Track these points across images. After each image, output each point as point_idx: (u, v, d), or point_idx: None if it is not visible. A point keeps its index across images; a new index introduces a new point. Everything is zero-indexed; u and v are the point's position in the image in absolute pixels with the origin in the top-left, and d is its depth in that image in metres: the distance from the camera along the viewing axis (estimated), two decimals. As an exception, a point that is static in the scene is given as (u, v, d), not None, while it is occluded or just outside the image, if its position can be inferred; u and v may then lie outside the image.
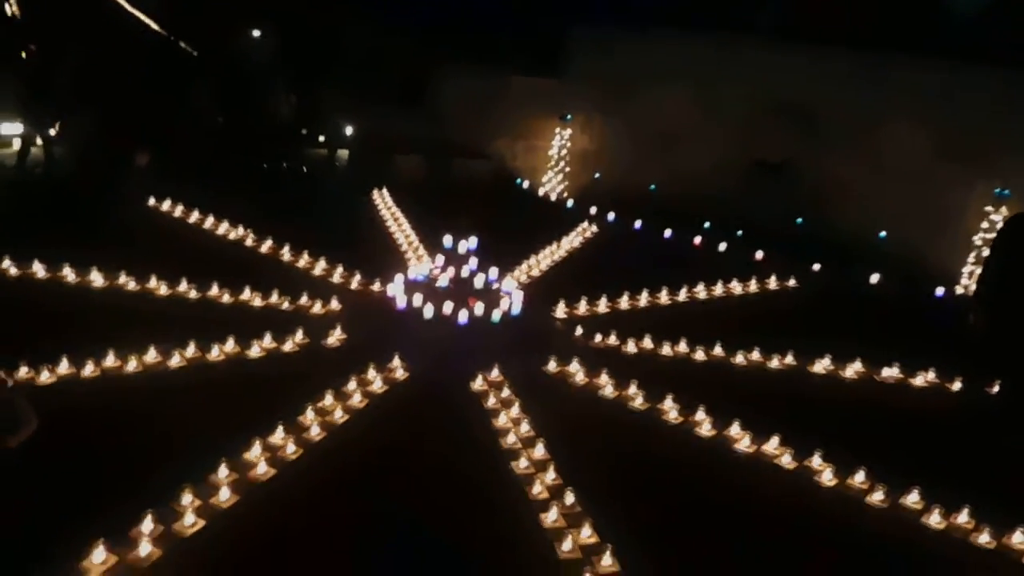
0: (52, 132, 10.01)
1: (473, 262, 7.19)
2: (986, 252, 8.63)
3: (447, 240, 7.28)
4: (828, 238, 10.29)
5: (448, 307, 6.73)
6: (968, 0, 12.16)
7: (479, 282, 7.06)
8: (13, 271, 7.19)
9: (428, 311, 6.71)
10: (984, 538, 4.92)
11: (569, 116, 12.37)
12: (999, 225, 8.51)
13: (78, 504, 4.25)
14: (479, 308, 6.77)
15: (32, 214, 8.72)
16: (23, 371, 5.43)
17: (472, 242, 7.32)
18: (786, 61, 11.33)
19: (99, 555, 3.92)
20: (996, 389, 6.71)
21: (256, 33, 15.08)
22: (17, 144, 10.17)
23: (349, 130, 12.08)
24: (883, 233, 10.55)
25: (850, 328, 7.96)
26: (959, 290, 9.49)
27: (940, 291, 9.14)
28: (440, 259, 7.30)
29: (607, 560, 4.31)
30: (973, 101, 10.06)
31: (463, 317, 6.70)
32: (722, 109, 11.62)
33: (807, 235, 10.61)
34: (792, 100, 11.23)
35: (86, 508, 4.22)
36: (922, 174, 10.29)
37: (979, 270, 8.79)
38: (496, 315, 6.84)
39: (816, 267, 9.47)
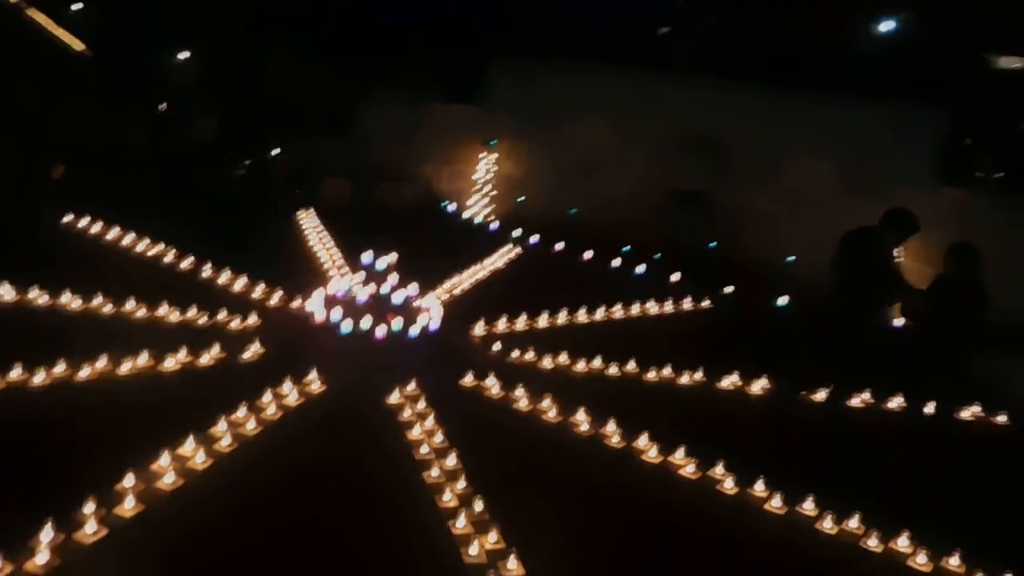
0: None
1: (394, 278, 7.27)
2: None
3: (367, 256, 7.34)
4: (741, 262, 10.65)
5: (367, 322, 6.79)
6: (871, 39, 12.90)
7: (398, 298, 7.13)
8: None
9: (346, 325, 6.76)
10: (872, 542, 5.18)
11: (494, 141, 12.59)
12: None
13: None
14: (398, 323, 6.85)
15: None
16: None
17: (393, 258, 7.37)
18: (698, 96, 11.81)
19: (-5, 562, 3.86)
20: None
21: (182, 55, 14.94)
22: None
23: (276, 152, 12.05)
24: (791, 257, 10.96)
25: (758, 346, 8.23)
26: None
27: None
28: (361, 275, 7.35)
29: (512, 564, 4.41)
30: (866, 135, 10.83)
31: (381, 331, 6.77)
32: (640, 140, 11.96)
33: (721, 259, 10.95)
34: (706, 133, 11.66)
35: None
36: (827, 203, 10.74)
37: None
38: (415, 330, 6.93)
39: (729, 289, 9.82)
